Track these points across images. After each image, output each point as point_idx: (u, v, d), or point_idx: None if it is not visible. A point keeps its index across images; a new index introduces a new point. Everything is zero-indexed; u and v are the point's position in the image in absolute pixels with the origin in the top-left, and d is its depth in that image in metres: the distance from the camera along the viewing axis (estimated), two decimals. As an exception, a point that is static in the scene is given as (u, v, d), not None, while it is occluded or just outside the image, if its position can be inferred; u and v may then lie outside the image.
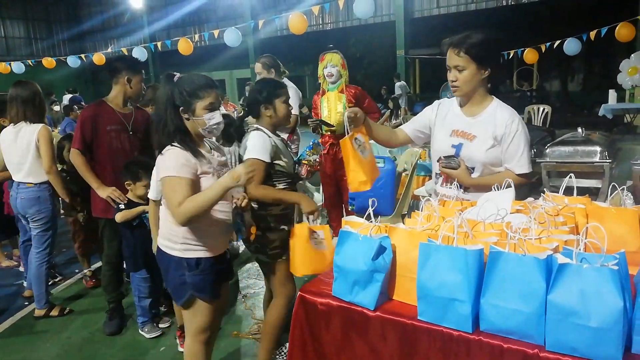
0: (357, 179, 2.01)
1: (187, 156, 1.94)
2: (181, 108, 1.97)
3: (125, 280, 3.56)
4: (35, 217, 3.35)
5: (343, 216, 3.48)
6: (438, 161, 2.18)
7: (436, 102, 2.32)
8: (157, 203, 2.59)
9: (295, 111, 4.03)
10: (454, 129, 2.15)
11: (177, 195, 1.89)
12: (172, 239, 2.03)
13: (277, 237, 2.42)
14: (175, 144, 1.95)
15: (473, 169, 2.12)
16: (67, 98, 10.22)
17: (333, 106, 3.98)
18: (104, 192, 2.99)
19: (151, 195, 2.66)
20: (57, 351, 3.08)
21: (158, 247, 2.10)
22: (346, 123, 2.03)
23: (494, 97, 2.15)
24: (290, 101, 4.07)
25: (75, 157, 3.00)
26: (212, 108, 1.99)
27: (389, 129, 2.49)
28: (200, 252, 2.03)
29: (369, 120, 2.21)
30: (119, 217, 2.98)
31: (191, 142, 1.99)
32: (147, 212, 2.91)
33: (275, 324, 2.49)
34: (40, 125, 3.29)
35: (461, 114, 2.17)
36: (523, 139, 2.08)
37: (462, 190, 2.09)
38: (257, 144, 2.32)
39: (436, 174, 2.26)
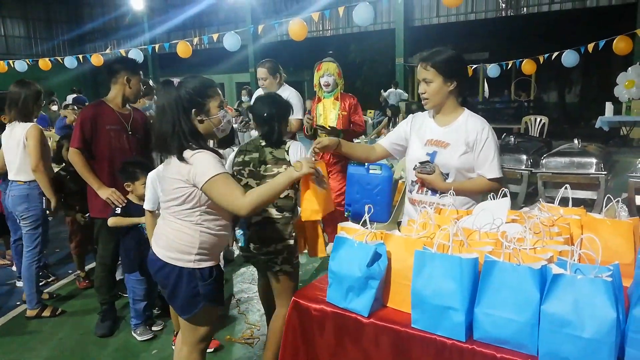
0: (310, 207, 2.05)
1: (215, 156, 1.91)
2: (194, 110, 1.92)
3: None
4: (24, 214, 3.36)
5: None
6: (414, 169, 2.26)
7: (410, 115, 2.45)
8: (154, 214, 2.59)
9: (299, 116, 4.03)
10: (428, 139, 2.26)
11: (234, 189, 1.85)
12: (186, 250, 1.94)
13: (297, 247, 2.45)
14: (195, 147, 1.89)
15: (447, 174, 2.20)
16: (71, 98, 10.17)
17: (327, 113, 4.02)
18: (104, 192, 2.98)
19: (147, 205, 2.64)
20: (49, 352, 3.05)
21: (163, 262, 1.97)
22: (312, 152, 2.17)
23: (465, 108, 2.26)
24: (295, 106, 4.07)
25: (73, 156, 2.98)
26: (222, 106, 2.02)
27: (366, 146, 2.61)
28: (211, 262, 2.00)
29: (345, 142, 2.34)
30: (111, 221, 2.96)
31: (206, 145, 1.95)
32: (142, 224, 2.90)
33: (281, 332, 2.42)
34: (31, 124, 3.30)
35: (434, 125, 2.28)
36: (493, 146, 2.19)
37: (437, 195, 2.17)
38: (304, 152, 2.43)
39: (412, 181, 2.33)
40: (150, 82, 4.35)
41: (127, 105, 3.16)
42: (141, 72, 3.16)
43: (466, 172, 2.20)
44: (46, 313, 3.48)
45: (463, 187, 2.17)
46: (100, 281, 3.25)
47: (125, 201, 3.00)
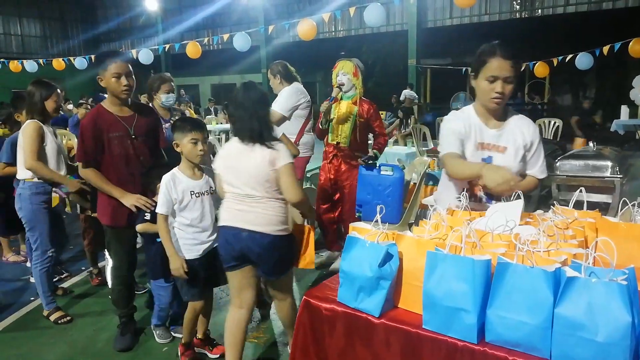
0: (309, 258, 2.54)
1: None
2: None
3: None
4: (19, 213, 3.29)
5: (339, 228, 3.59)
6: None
7: (457, 114, 2.20)
8: (166, 218, 2.56)
9: (277, 109, 3.89)
10: (480, 142, 2.11)
11: (297, 179, 2.40)
12: (284, 221, 2.40)
13: None
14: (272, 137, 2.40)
15: None
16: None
17: (342, 117, 3.93)
18: (129, 199, 2.77)
19: (161, 209, 2.55)
20: (61, 348, 3.09)
21: (272, 236, 2.34)
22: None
23: (509, 107, 2.18)
24: (276, 101, 3.94)
25: (83, 171, 2.82)
26: None
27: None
28: None
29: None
30: (140, 227, 2.81)
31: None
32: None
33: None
34: (29, 120, 3.22)
35: (484, 127, 2.12)
36: (542, 145, 2.17)
37: (493, 201, 2.07)
38: None
39: (465, 189, 2.14)
40: (168, 74, 4.03)
41: (128, 105, 2.86)
42: (115, 64, 2.72)
43: (520, 174, 2.13)
44: (52, 317, 3.38)
45: (524, 188, 2.03)
46: (117, 294, 3.04)
47: (154, 206, 2.77)
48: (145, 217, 2.81)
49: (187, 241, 2.62)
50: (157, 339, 3.10)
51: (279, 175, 2.32)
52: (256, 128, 2.32)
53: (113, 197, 2.80)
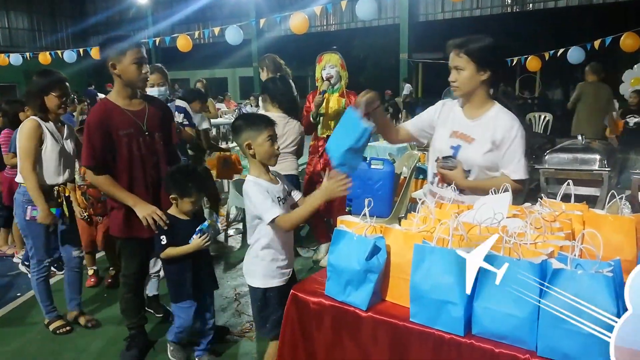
0: None
1: None
2: None
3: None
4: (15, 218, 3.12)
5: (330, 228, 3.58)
6: (436, 161, 2.21)
7: (440, 102, 2.36)
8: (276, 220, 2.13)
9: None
10: (454, 130, 2.18)
11: None
12: None
13: None
14: None
15: (469, 171, 2.14)
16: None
17: (333, 111, 3.91)
18: (143, 210, 2.44)
19: (275, 212, 2.06)
20: (49, 344, 3.06)
21: (296, 175, 3.52)
22: (362, 106, 1.99)
23: (496, 102, 2.16)
24: None
25: (92, 177, 2.48)
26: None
27: (392, 125, 2.53)
28: None
29: (381, 111, 2.21)
30: (163, 255, 2.51)
31: None
32: (204, 225, 2.50)
33: None
34: (28, 118, 2.89)
35: (462, 116, 2.20)
36: (521, 146, 2.10)
37: (458, 192, 2.08)
38: None
39: (433, 174, 2.28)
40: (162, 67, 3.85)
41: (137, 97, 2.56)
42: (134, 50, 2.43)
43: (489, 170, 2.13)
44: (51, 327, 3.17)
45: (484, 185, 2.04)
46: (125, 304, 2.79)
47: (167, 222, 2.49)
48: (162, 243, 2.48)
49: (279, 263, 2.18)
50: (169, 355, 2.79)
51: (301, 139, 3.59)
52: (295, 107, 3.55)
53: (123, 208, 2.52)
